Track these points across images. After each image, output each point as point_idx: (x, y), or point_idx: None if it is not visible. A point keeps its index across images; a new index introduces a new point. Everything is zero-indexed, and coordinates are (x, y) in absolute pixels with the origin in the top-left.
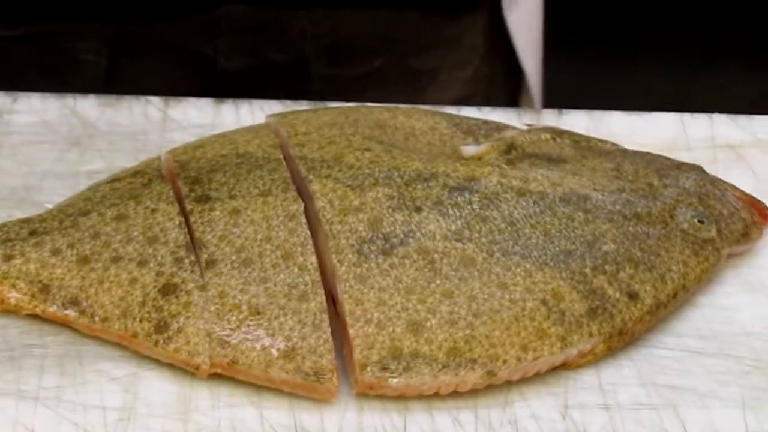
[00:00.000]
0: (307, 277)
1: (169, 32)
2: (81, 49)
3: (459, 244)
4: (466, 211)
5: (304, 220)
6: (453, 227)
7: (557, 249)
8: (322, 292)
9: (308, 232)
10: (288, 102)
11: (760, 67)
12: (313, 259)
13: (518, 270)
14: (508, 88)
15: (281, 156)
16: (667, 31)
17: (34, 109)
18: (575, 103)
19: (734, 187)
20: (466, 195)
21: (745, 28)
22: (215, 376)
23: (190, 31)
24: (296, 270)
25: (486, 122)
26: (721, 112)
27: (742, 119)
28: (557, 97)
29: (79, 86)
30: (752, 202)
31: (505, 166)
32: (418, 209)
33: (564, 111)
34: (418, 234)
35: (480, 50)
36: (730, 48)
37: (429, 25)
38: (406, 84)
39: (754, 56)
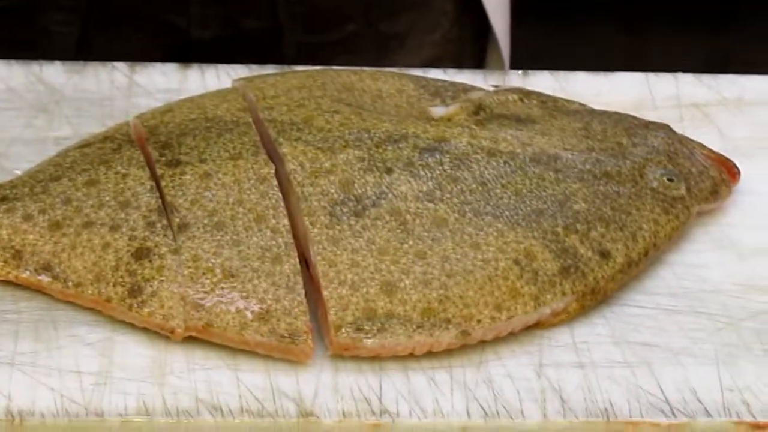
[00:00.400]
0: (280, 240)
1: (141, 3)
2: (52, 20)
3: (431, 205)
4: (437, 172)
5: (275, 182)
6: (424, 188)
7: (529, 209)
8: (295, 254)
9: (280, 194)
10: (254, 67)
11: (720, 27)
12: (286, 221)
13: (490, 230)
14: (476, 51)
15: (250, 119)
16: None
17: (0, 77)
18: (538, 66)
19: (702, 146)
20: (437, 156)
21: None
22: (190, 340)
23: (163, 2)
24: (269, 233)
25: (453, 84)
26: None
27: (707, 78)
28: (521, 60)
29: (52, 58)
30: (721, 160)
31: (474, 127)
32: (389, 170)
33: (530, 72)
34: (389, 195)
35: (450, 14)
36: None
37: None
38: (377, 49)
39: (714, 16)
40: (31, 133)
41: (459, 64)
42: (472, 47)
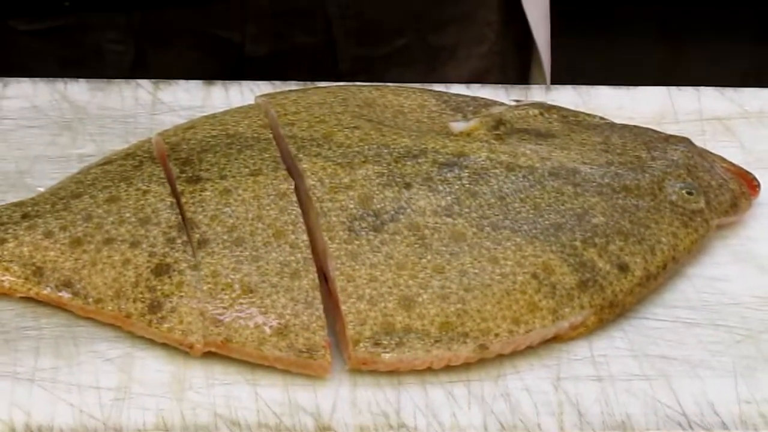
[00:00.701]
0: (299, 255)
1: (196, 20)
2: (106, 39)
3: (449, 220)
4: (456, 187)
5: (294, 198)
6: (443, 203)
7: (547, 222)
8: (314, 269)
9: (299, 210)
10: (277, 83)
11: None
12: (305, 236)
13: (508, 244)
14: (520, 63)
15: (271, 135)
16: (652, 6)
17: (25, 94)
18: (578, 79)
19: (722, 159)
20: (456, 170)
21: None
22: (209, 355)
23: (217, 18)
24: (288, 248)
25: (474, 99)
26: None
27: (730, 92)
28: (562, 73)
29: (106, 76)
30: (741, 173)
31: (494, 142)
32: (408, 185)
33: (552, 87)
34: (408, 210)
35: (495, 25)
36: (715, 23)
37: (448, 2)
38: (427, 61)
39: (745, 30)
40: (54, 150)
41: (505, 76)
42: (516, 59)
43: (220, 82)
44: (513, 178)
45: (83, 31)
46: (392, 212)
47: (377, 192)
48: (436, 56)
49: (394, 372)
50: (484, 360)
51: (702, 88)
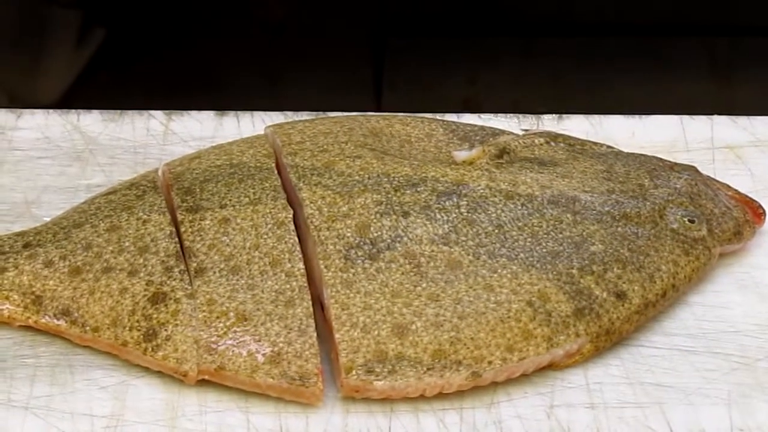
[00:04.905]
0: (294, 283)
1: None
2: None
3: (446, 248)
4: (454, 215)
5: (292, 227)
6: (440, 231)
7: (544, 250)
8: (309, 297)
9: (296, 238)
10: (289, 113)
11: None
12: (301, 265)
13: (504, 272)
14: None
15: (273, 165)
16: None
17: (37, 126)
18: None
19: (728, 187)
20: (455, 199)
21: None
22: (203, 383)
23: None
24: (283, 276)
25: (482, 128)
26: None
27: (743, 120)
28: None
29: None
30: (746, 201)
31: (494, 170)
32: (406, 214)
33: (564, 116)
34: (405, 238)
35: None
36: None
37: None
38: None
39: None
40: (63, 181)
41: None
42: None
43: (232, 112)
44: (511, 206)
45: None
46: (389, 240)
47: (375, 220)
48: None
49: (386, 399)
50: (478, 387)
51: (715, 117)
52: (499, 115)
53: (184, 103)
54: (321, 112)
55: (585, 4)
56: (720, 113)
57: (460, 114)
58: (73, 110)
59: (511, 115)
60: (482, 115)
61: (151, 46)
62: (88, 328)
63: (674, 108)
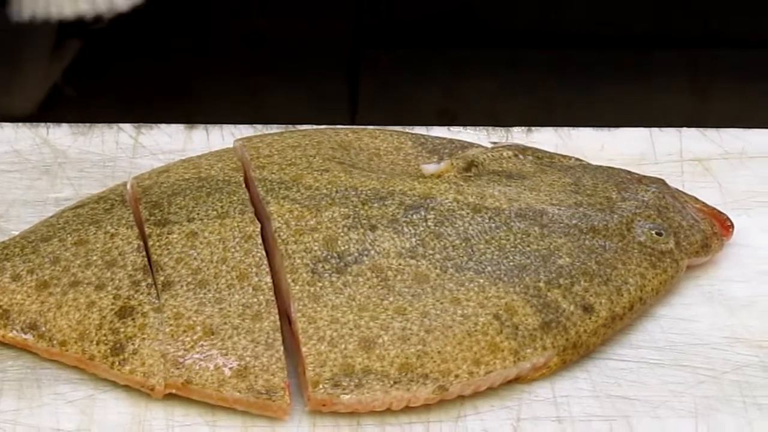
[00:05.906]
0: (261, 297)
1: None
2: None
3: (413, 261)
4: (421, 229)
5: (259, 240)
6: (407, 245)
7: (511, 264)
8: (276, 311)
9: (263, 252)
10: (259, 126)
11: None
12: (268, 278)
13: (471, 285)
14: None
15: (241, 178)
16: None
17: (6, 139)
18: (545, 121)
19: (696, 199)
20: (422, 212)
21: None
22: (171, 397)
23: None
24: (250, 290)
25: (451, 141)
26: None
27: (712, 132)
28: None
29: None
30: (714, 214)
31: (462, 184)
32: (374, 228)
33: (533, 129)
34: (372, 252)
35: None
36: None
37: None
38: None
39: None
40: (32, 194)
41: None
42: None
43: (201, 125)
44: (479, 219)
45: None
46: (356, 254)
47: (342, 234)
48: None
49: (353, 413)
50: (445, 401)
51: (684, 129)
52: (468, 127)
53: (159, 116)
54: (291, 125)
55: (562, 15)
56: (698, 125)
57: (430, 127)
58: (43, 123)
59: (481, 127)
60: (452, 128)
61: (125, 57)
62: (55, 342)
63: (652, 120)
